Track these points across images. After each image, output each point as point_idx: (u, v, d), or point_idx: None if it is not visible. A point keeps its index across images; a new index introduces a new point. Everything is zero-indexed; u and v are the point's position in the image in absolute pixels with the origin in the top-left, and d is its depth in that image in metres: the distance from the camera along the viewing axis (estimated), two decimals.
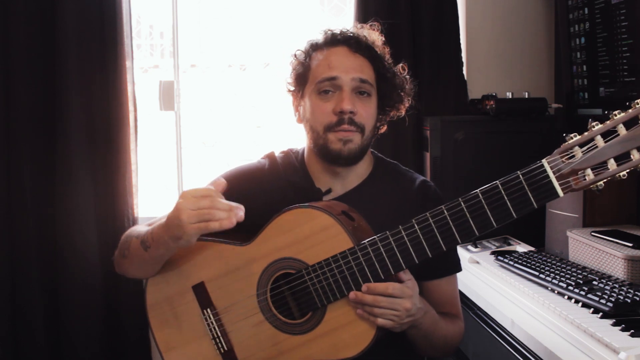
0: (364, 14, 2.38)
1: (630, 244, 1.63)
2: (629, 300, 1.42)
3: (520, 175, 1.21)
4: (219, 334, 1.48)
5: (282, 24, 2.74)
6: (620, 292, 1.47)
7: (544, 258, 1.81)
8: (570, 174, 1.18)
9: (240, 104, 2.87)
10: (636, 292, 1.45)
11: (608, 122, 1.16)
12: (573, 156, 1.18)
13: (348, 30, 1.53)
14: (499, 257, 1.89)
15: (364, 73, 1.48)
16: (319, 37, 1.54)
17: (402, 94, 1.57)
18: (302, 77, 1.54)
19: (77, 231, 2.35)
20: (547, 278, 1.63)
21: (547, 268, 1.71)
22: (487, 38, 2.54)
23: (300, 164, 1.59)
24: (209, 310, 1.49)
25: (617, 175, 1.16)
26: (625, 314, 1.38)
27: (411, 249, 1.29)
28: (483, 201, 1.23)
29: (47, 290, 2.38)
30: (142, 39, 3.01)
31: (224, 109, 2.90)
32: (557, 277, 1.62)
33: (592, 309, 1.44)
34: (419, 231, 1.28)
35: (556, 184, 1.19)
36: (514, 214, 1.22)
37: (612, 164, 1.16)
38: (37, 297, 2.37)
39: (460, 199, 1.25)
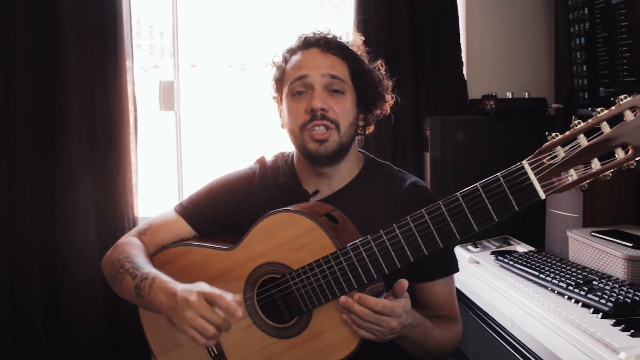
0: (364, 14, 2.37)
1: (630, 244, 1.63)
2: (629, 300, 1.42)
3: (501, 178, 1.19)
4: None
5: (282, 24, 2.74)
6: (620, 292, 1.47)
7: (544, 258, 1.81)
8: (553, 174, 1.14)
9: (240, 104, 2.87)
10: (636, 292, 1.45)
11: (591, 120, 1.12)
12: (555, 156, 1.14)
13: (321, 32, 1.55)
14: (499, 257, 1.89)
15: (335, 70, 1.49)
16: (294, 43, 1.57)
17: (381, 89, 1.57)
18: (279, 82, 1.57)
19: (77, 231, 2.35)
20: (547, 278, 1.63)
21: (547, 268, 1.71)
22: (487, 38, 2.54)
23: (289, 167, 1.60)
24: None
25: (601, 175, 1.11)
26: (625, 314, 1.38)
27: (393, 254, 1.28)
28: (464, 204, 1.21)
29: (47, 289, 2.38)
30: (142, 39, 3.01)
31: (224, 109, 2.90)
32: (557, 277, 1.62)
33: (592, 309, 1.44)
34: (399, 235, 1.27)
35: (537, 185, 1.16)
36: (495, 218, 1.20)
37: (595, 164, 1.12)
38: (38, 296, 2.37)
39: (440, 202, 1.24)
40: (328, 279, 1.33)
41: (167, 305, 1.31)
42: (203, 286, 1.30)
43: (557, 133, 1.15)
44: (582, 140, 1.12)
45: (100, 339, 2.41)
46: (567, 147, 1.13)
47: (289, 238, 1.38)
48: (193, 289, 1.29)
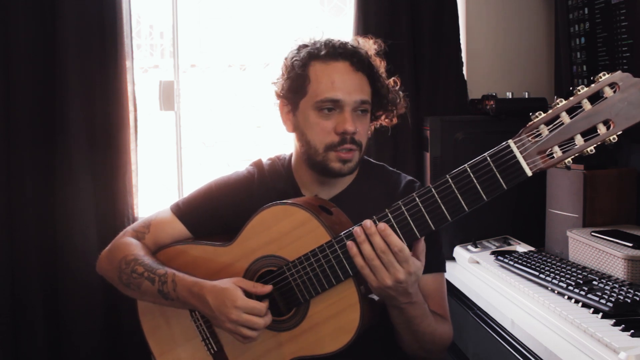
0: (364, 14, 2.37)
1: (630, 244, 1.63)
2: (629, 300, 1.42)
3: (488, 157, 1.22)
4: (209, 335, 1.50)
5: (282, 24, 2.74)
6: (620, 292, 1.47)
7: (544, 258, 1.81)
8: (538, 152, 1.18)
9: (240, 104, 2.87)
10: (636, 292, 1.45)
11: (572, 98, 1.16)
12: (540, 134, 1.18)
13: (347, 43, 1.52)
14: (499, 257, 1.89)
15: (364, 93, 1.50)
16: (319, 48, 1.50)
17: (392, 108, 1.59)
18: (299, 88, 1.50)
19: (77, 231, 2.35)
20: (547, 278, 1.63)
21: (547, 268, 1.71)
22: (487, 38, 2.54)
23: (287, 171, 1.60)
24: (197, 312, 1.50)
25: (585, 150, 1.15)
26: (625, 314, 1.38)
27: None
28: (453, 186, 1.24)
29: (47, 290, 2.38)
30: (142, 39, 3.01)
31: (224, 109, 2.90)
32: (557, 277, 1.62)
33: (592, 309, 1.44)
34: (392, 220, 1.29)
35: (524, 163, 1.19)
36: (484, 197, 1.22)
37: (579, 140, 1.15)
38: (37, 296, 2.37)
39: (430, 185, 1.26)
40: (324, 267, 1.34)
41: (204, 312, 1.40)
42: (231, 283, 1.38)
43: (541, 112, 1.19)
44: (565, 118, 1.16)
45: (100, 339, 2.41)
46: (550, 126, 1.17)
47: (285, 230, 1.39)
48: (228, 288, 1.36)
